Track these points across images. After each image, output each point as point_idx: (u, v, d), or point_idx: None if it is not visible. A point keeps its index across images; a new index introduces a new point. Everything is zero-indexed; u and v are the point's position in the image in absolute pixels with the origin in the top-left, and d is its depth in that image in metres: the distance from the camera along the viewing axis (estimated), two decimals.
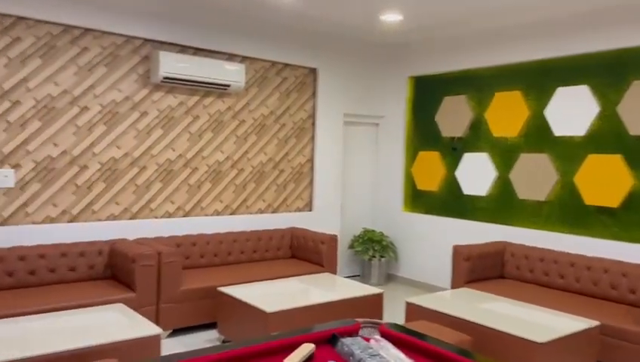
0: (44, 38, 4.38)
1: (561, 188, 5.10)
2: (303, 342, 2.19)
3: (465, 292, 4.50)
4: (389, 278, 6.72)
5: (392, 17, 5.28)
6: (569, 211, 5.03)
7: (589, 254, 4.82)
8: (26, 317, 3.41)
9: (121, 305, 3.73)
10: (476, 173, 5.82)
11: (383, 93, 6.84)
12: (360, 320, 2.40)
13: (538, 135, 5.28)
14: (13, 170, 4.29)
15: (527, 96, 5.37)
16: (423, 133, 6.43)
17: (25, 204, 4.36)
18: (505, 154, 5.57)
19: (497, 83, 5.65)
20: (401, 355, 2.05)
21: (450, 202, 6.12)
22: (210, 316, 4.59)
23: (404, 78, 6.62)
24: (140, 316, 3.49)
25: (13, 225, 4.30)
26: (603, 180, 4.75)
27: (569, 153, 5.03)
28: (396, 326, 2.37)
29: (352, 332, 2.33)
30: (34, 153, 4.39)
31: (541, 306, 4.19)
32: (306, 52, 6.01)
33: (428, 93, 6.39)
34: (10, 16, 4.21)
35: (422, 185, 6.43)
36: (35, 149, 4.39)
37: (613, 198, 4.68)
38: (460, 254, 4.96)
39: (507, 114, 5.52)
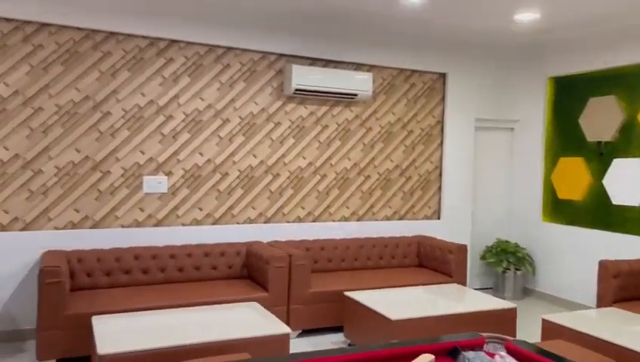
0: (192, 58, 4.88)
1: None
2: (423, 352, 2.16)
3: (612, 312, 4.06)
4: (526, 293, 6.30)
5: (527, 16, 4.99)
6: None
7: None
8: (173, 309, 3.81)
9: (255, 304, 3.99)
10: (628, 181, 5.23)
11: (519, 95, 6.47)
12: (484, 334, 2.30)
13: None
14: (166, 177, 4.83)
15: None
16: (565, 137, 5.95)
17: (176, 208, 4.88)
18: None
19: None
20: None
21: (596, 212, 5.57)
22: (337, 319, 4.71)
23: (543, 79, 6.19)
24: (272, 315, 3.70)
25: (166, 226, 4.83)
26: None
27: None
28: (525, 343, 2.24)
29: (475, 346, 2.24)
30: (183, 162, 4.89)
31: None
32: (434, 57, 5.92)
33: (570, 94, 5.90)
34: (164, 39, 4.76)
35: (563, 194, 5.94)
36: (185, 158, 4.89)
37: None
38: (608, 270, 4.50)
39: None
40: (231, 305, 3.95)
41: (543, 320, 3.85)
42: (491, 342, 2.27)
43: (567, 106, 5.93)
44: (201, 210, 4.98)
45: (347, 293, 4.37)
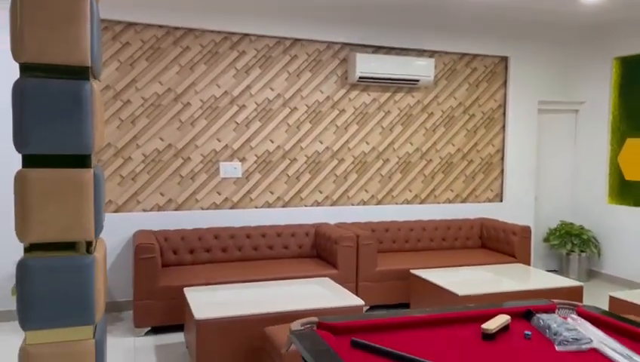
0: (262, 50, 5.17)
1: None
2: (498, 315, 2.34)
3: None
4: (591, 275, 6.28)
5: None
6: None
7: None
8: (252, 283, 4.13)
9: (327, 279, 4.26)
10: None
11: (583, 77, 6.39)
12: (556, 301, 2.46)
13: None
14: (240, 163, 5.17)
15: None
16: (632, 118, 5.85)
17: (249, 191, 5.21)
18: None
19: None
20: (601, 334, 2.08)
21: None
22: (403, 296, 4.91)
23: (609, 60, 6.09)
24: (344, 289, 3.95)
25: (241, 209, 5.17)
26: None
27: None
28: (596, 308, 2.38)
29: (548, 311, 2.40)
30: (255, 148, 5.21)
31: None
32: (496, 41, 5.95)
33: (637, 74, 5.80)
34: (237, 34, 5.07)
35: (630, 175, 5.86)
36: (256, 145, 5.21)
37: None
38: None
39: None
40: (304, 280, 4.24)
41: (611, 297, 3.91)
42: (563, 307, 2.42)
43: (635, 87, 5.83)
44: (272, 193, 5.29)
45: (413, 271, 4.57)
